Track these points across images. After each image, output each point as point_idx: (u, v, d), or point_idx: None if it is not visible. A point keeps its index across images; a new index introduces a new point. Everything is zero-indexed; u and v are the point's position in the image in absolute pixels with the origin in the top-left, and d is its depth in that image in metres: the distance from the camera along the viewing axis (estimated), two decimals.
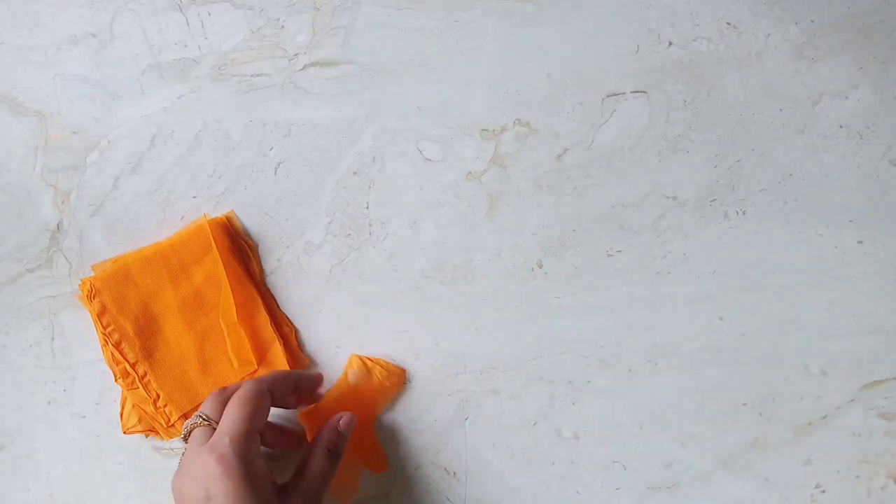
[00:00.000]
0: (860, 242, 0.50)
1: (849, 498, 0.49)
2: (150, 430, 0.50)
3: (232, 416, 0.42)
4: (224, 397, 0.44)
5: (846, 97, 0.50)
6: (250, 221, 0.51)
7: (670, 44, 0.51)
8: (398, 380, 0.50)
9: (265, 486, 0.40)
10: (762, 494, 0.49)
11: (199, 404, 0.49)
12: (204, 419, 0.43)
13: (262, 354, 0.49)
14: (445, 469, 0.51)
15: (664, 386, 0.50)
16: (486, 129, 0.51)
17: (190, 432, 0.43)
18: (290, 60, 0.51)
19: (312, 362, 0.51)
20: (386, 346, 0.51)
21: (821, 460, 0.49)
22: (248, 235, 0.51)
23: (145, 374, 0.49)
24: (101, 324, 0.49)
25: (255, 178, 0.51)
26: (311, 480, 0.43)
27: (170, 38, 0.51)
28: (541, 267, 0.51)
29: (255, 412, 0.42)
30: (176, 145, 0.51)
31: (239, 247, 0.50)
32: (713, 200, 0.50)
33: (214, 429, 0.42)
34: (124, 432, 0.50)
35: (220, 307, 0.49)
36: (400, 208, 0.51)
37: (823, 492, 0.49)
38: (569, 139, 0.51)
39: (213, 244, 0.49)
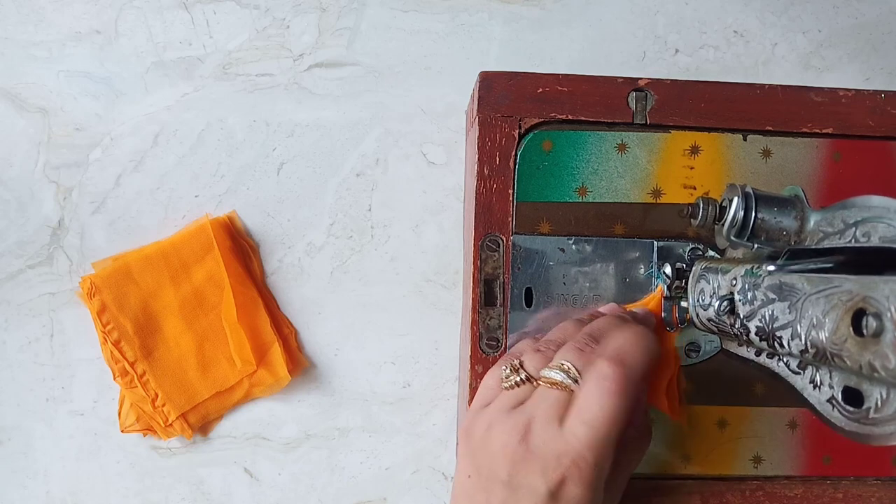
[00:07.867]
0: None
1: None
2: (148, 429, 0.50)
3: (602, 408, 0.31)
4: (584, 342, 0.34)
5: None
6: (252, 222, 0.51)
7: (677, 51, 0.51)
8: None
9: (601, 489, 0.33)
10: None
11: (199, 404, 0.49)
12: (566, 381, 0.32)
13: (261, 355, 0.49)
14: (443, 474, 0.51)
15: None
16: None
17: (515, 381, 0.34)
18: (294, 61, 0.51)
19: (312, 364, 0.51)
20: (386, 350, 0.51)
21: None
22: (250, 236, 0.51)
23: (144, 372, 0.49)
24: (101, 322, 0.48)
25: (258, 178, 0.51)
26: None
27: (175, 37, 0.51)
28: None
29: (629, 409, 0.32)
30: (179, 144, 0.51)
31: (240, 247, 0.50)
32: None
33: (571, 391, 0.32)
34: (122, 431, 0.50)
35: (222, 307, 0.49)
36: (402, 211, 0.51)
37: None
38: None
39: (215, 244, 0.49)
